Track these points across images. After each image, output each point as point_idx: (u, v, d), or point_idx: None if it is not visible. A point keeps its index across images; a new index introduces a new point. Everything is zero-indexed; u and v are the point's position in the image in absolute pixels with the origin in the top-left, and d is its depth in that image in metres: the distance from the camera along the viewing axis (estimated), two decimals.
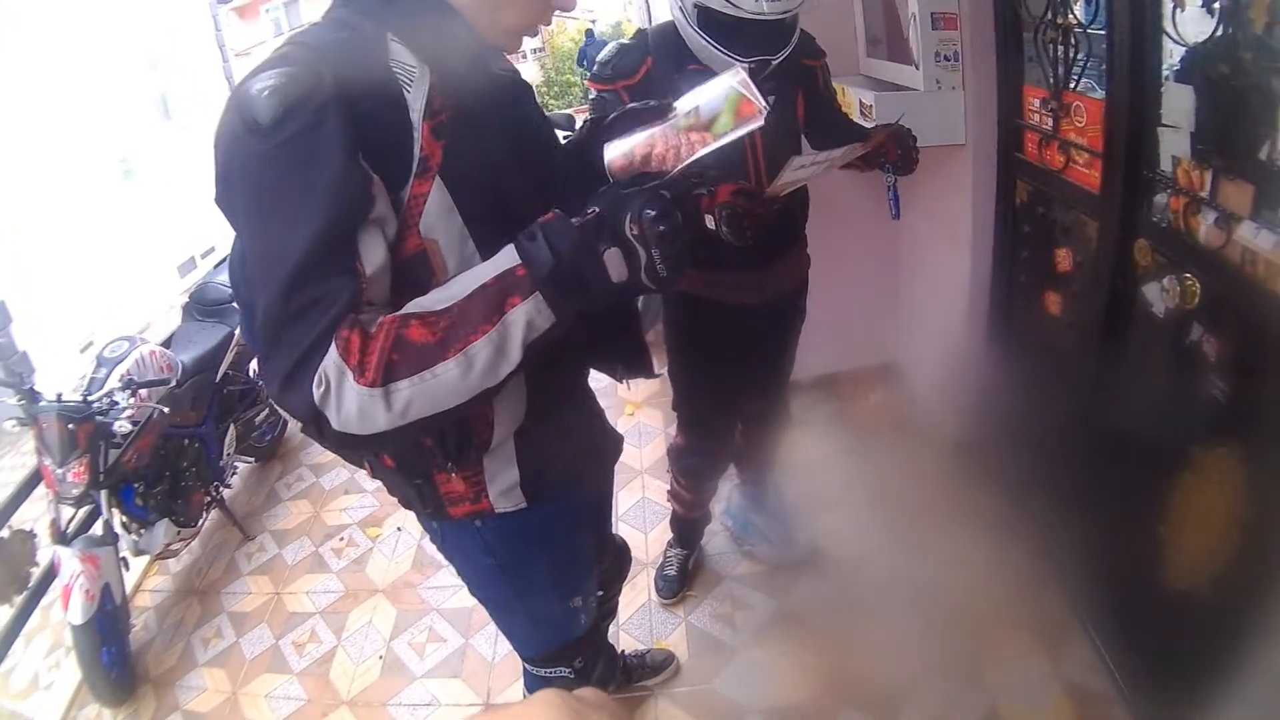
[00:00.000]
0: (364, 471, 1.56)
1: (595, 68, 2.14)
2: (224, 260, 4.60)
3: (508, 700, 2.63)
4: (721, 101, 1.25)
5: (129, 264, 10.33)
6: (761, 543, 3.02)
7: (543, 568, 1.57)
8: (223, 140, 1.06)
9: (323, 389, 0.98)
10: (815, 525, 2.97)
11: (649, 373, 1.57)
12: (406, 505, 1.53)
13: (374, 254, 1.06)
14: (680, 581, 2.93)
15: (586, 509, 1.69)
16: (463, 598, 3.00)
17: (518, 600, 1.62)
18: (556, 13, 1.27)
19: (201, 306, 4.18)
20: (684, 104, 1.30)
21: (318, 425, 1.02)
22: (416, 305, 1.06)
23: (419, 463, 1.36)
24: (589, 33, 19.35)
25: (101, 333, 9.70)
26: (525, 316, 1.04)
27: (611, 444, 1.72)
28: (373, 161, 1.06)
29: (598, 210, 1.09)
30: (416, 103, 1.11)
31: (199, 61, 12.47)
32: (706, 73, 1.97)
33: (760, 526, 3.03)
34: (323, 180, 1.00)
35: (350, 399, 0.99)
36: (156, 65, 11.58)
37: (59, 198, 9.61)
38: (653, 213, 1.07)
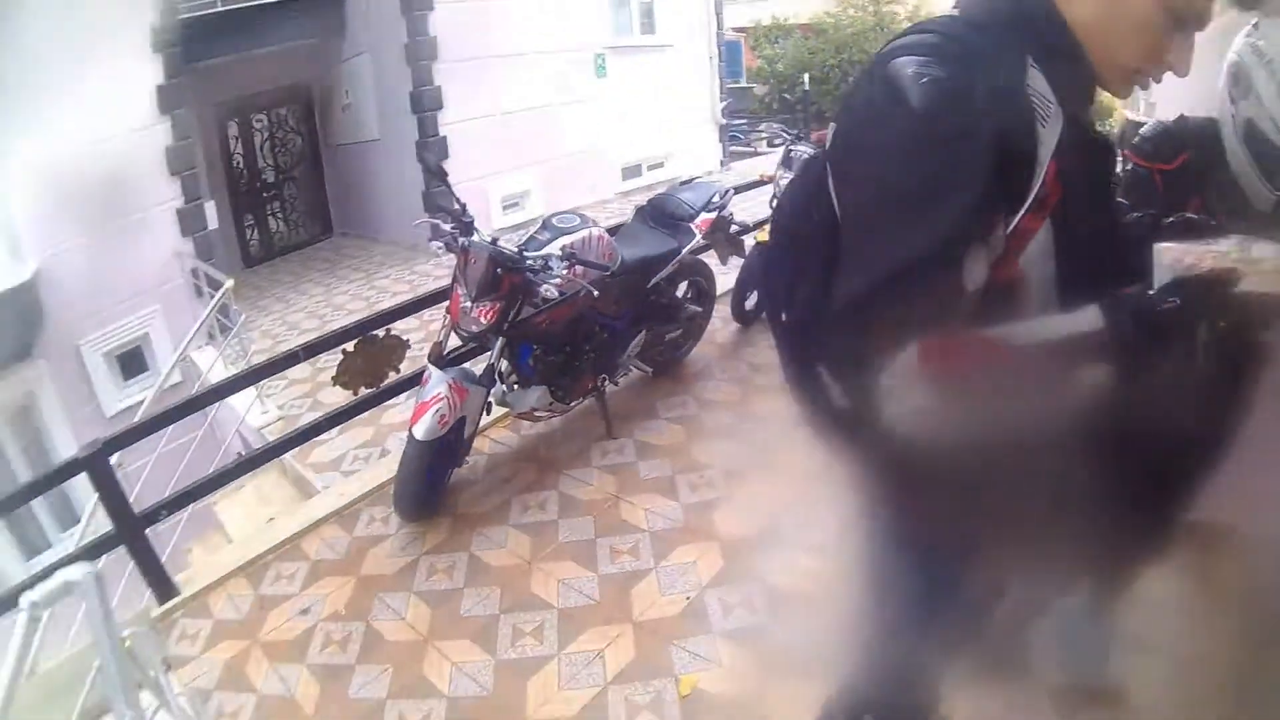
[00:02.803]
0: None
1: (1136, 140, 2.04)
2: (691, 180, 4.76)
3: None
4: None
5: (577, 151, 11.19)
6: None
7: None
8: (861, 105, 1.12)
9: (894, 377, 1.02)
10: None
11: None
12: None
13: (976, 273, 1.06)
14: None
15: None
16: (804, 586, 2.85)
17: None
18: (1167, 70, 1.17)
19: (656, 214, 4.34)
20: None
21: (848, 375, 1.13)
22: (999, 333, 1.08)
23: None
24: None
25: (529, 201, 10.76)
26: (1092, 379, 1.07)
27: None
28: (997, 185, 1.04)
29: (1178, 300, 1.08)
30: (1049, 140, 1.08)
31: None
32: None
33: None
34: (959, 190, 1.00)
35: (911, 396, 1.03)
36: None
37: (537, 80, 10.52)
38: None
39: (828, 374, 1.24)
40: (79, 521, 4.90)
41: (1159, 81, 1.20)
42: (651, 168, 12.61)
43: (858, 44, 19.22)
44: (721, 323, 5.10)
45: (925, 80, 1.01)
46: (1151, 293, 1.10)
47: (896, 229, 1.04)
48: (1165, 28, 1.12)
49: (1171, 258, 1.23)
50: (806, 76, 18.89)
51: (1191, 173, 2.02)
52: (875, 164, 1.10)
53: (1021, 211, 1.09)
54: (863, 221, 1.13)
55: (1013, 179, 1.07)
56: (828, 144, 1.24)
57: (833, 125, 1.23)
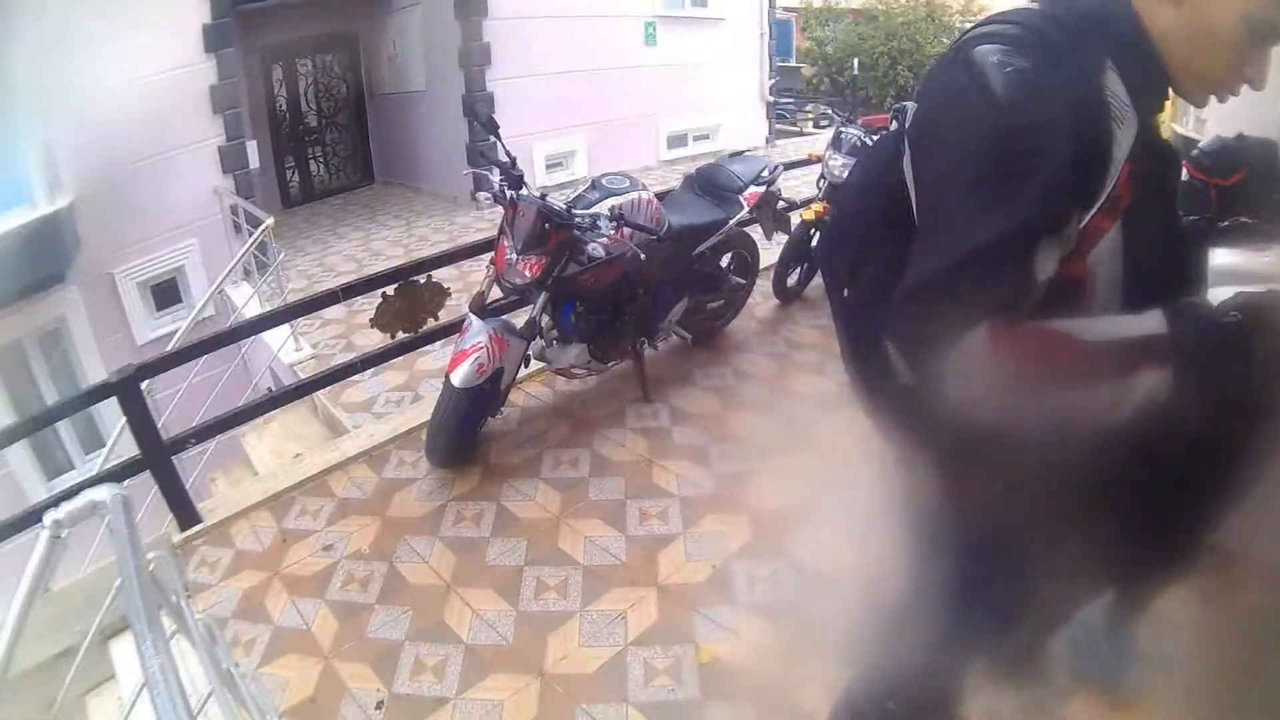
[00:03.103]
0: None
1: (1195, 153, 2.04)
2: (741, 153, 4.72)
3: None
4: None
5: (624, 116, 11.15)
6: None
7: None
8: (943, 89, 1.17)
9: (959, 358, 1.03)
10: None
11: None
12: None
13: (1047, 265, 1.07)
14: None
15: None
16: (832, 566, 2.78)
17: None
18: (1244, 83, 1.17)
19: (704, 183, 4.31)
20: None
21: (914, 353, 1.13)
22: (1064, 326, 1.08)
23: None
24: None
25: (574, 162, 10.77)
26: (1150, 384, 1.05)
27: None
28: (1073, 179, 1.07)
29: (1239, 315, 1.08)
30: (1124, 142, 1.10)
31: None
32: None
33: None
34: (1037, 180, 1.03)
35: (975, 379, 1.04)
36: None
37: (586, 43, 10.48)
38: None
39: (892, 352, 1.23)
40: (104, 445, 4.94)
41: (1236, 94, 1.19)
42: (697, 138, 12.57)
43: (907, 32, 19.15)
44: (762, 298, 5.07)
45: (1009, 69, 1.05)
46: (1215, 304, 1.11)
47: (973, 213, 1.06)
48: (1244, 40, 1.11)
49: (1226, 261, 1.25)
50: (856, 61, 18.79)
51: (1247, 189, 2.01)
52: (955, 147, 1.12)
53: (1094, 209, 1.10)
54: (940, 203, 1.15)
55: (1087, 176, 1.08)
56: (906, 124, 1.25)
57: (913, 105, 1.26)
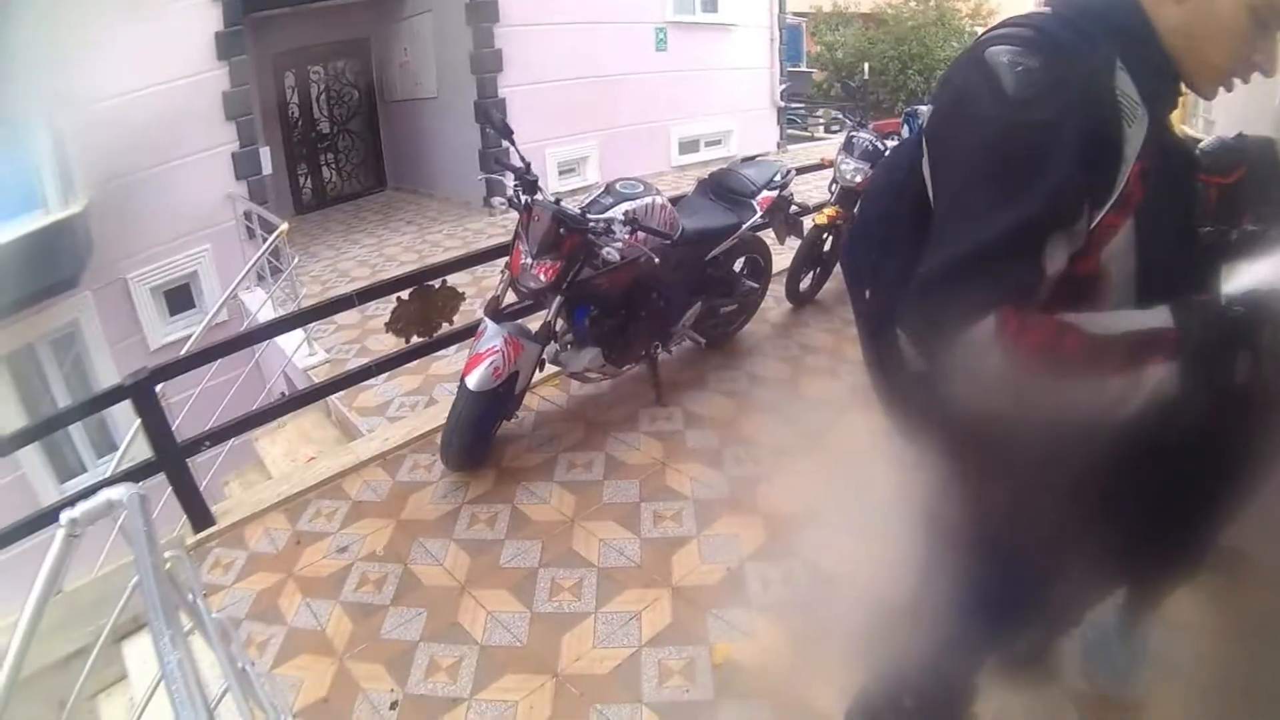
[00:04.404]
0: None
1: (1196, 153, 2.05)
2: (754, 157, 4.71)
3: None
4: None
5: (636, 122, 11.22)
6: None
7: None
8: (957, 89, 1.20)
9: (968, 348, 1.05)
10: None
11: None
12: None
13: (1058, 259, 1.10)
14: None
15: None
16: (846, 568, 2.80)
17: None
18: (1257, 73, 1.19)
19: (718, 188, 4.32)
20: None
21: (926, 343, 1.15)
22: (1072, 319, 1.09)
23: None
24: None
25: (586, 168, 10.82)
26: (1158, 378, 1.08)
27: None
28: (1082, 175, 1.08)
29: (1244, 310, 1.11)
30: (1134, 140, 1.12)
31: None
32: None
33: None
34: (1048, 176, 1.05)
35: (983, 370, 1.06)
36: None
37: (597, 49, 10.51)
38: None
39: (907, 344, 1.24)
40: (116, 449, 4.96)
41: (1247, 82, 1.20)
42: (709, 144, 12.60)
43: (917, 36, 19.05)
44: (775, 302, 5.07)
45: (1020, 68, 1.08)
46: (1221, 301, 1.14)
47: (984, 207, 1.09)
48: (1250, 29, 1.13)
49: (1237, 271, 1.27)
50: (866, 66, 18.74)
51: (1247, 188, 2.01)
52: (968, 145, 1.14)
53: (1105, 207, 1.12)
54: (954, 197, 1.17)
55: (1098, 173, 1.10)
56: (924, 125, 1.27)
57: (925, 109, 1.29)
